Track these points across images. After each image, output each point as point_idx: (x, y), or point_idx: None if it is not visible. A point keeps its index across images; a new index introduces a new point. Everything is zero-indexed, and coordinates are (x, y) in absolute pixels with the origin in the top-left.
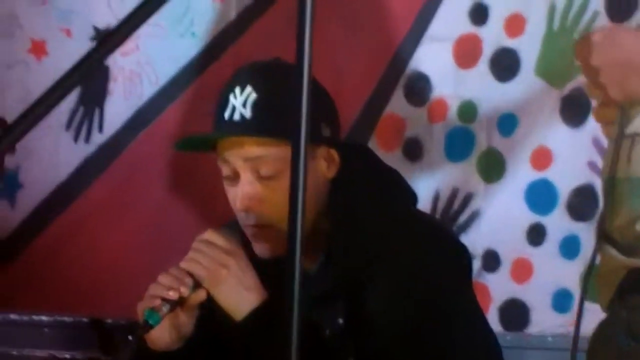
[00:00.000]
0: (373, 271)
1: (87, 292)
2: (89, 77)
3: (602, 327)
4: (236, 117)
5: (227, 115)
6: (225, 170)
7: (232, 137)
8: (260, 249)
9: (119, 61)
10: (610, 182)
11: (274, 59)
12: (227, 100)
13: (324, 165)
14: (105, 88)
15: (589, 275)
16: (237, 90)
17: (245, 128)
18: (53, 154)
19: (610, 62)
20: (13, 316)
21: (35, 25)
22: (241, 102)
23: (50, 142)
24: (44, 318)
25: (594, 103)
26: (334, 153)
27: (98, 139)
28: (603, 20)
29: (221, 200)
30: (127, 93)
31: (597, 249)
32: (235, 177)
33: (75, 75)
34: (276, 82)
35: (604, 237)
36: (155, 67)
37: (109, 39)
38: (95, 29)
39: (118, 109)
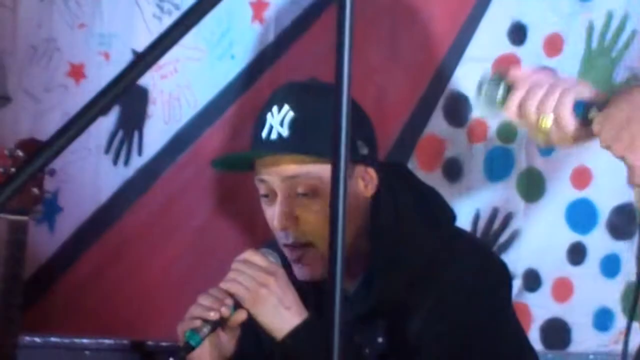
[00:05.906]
0: (416, 290)
1: (129, 315)
2: (126, 99)
3: None
4: (273, 136)
5: (264, 134)
6: (263, 190)
7: (269, 156)
8: (300, 271)
9: (158, 84)
10: None
11: (311, 78)
12: (264, 120)
13: (361, 185)
14: (145, 111)
15: (638, 295)
16: (275, 109)
17: (282, 146)
18: (92, 177)
19: None
20: (54, 339)
21: (74, 49)
22: (278, 121)
23: (90, 165)
24: (85, 341)
25: None
26: (371, 172)
27: (137, 162)
28: None
29: (263, 221)
30: (166, 116)
31: None
32: (272, 196)
33: (110, 95)
34: (313, 101)
35: None
36: (194, 90)
37: (143, 58)
38: (134, 52)
39: (157, 132)
